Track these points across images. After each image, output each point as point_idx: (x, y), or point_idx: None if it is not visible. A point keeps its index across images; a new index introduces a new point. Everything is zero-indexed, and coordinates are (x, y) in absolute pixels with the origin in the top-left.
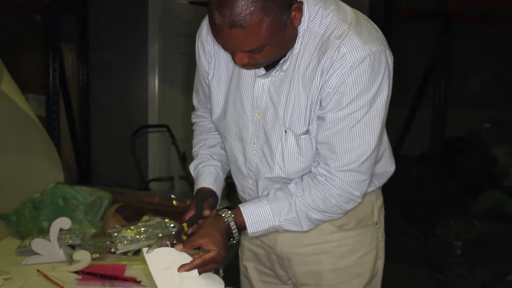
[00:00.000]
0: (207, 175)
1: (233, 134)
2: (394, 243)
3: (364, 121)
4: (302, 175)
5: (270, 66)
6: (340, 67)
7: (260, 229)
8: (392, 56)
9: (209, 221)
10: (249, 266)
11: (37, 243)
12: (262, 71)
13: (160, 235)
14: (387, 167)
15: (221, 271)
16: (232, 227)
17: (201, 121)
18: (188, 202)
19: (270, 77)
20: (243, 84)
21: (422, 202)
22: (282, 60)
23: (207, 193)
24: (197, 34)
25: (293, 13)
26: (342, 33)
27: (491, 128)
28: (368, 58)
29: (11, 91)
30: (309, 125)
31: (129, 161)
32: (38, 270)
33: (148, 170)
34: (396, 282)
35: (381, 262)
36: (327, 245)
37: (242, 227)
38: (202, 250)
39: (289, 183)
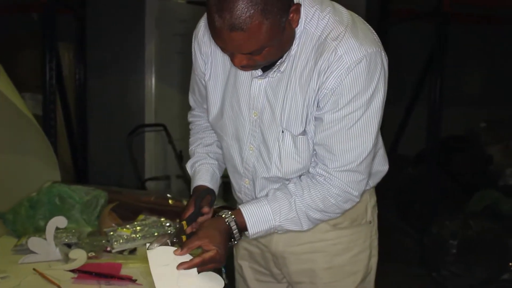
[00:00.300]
0: (203, 173)
1: (230, 134)
2: (390, 242)
3: (361, 122)
4: (301, 176)
5: (267, 67)
6: (337, 69)
7: (261, 229)
8: (387, 58)
9: (209, 222)
10: (244, 265)
11: (33, 242)
12: (259, 72)
13: (156, 234)
14: (381, 166)
15: (223, 270)
16: (233, 227)
17: (197, 120)
18: (184, 202)
19: (267, 78)
20: (240, 84)
21: (418, 201)
22: (279, 61)
23: (205, 190)
24: (194, 35)
25: (291, 15)
26: (338, 35)
27: (487, 128)
28: (364, 60)
29: (7, 90)
30: (306, 125)
31: (125, 160)
32: (34, 269)
33: (145, 169)
34: (392, 281)
35: (374, 261)
36: (321, 244)
37: (242, 228)
38: (203, 250)
39: (287, 183)
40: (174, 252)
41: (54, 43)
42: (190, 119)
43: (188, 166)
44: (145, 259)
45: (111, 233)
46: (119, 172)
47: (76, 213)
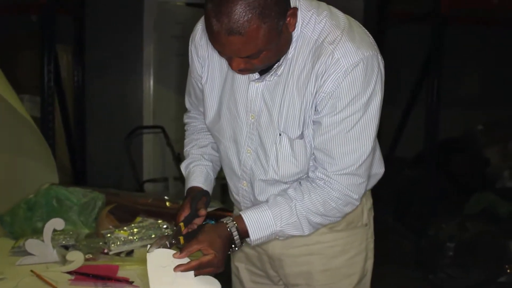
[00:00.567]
0: (198, 174)
1: (228, 137)
2: (388, 244)
3: (359, 125)
4: (300, 181)
5: (264, 70)
6: (335, 72)
7: (262, 235)
8: (383, 61)
9: (210, 227)
10: (240, 267)
11: (31, 244)
12: (256, 75)
13: (153, 236)
14: (377, 169)
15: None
16: (234, 233)
17: (193, 121)
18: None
19: (264, 81)
20: (237, 87)
21: (415, 204)
22: (276, 64)
23: (200, 192)
24: (191, 38)
25: (288, 19)
26: (335, 39)
27: (485, 130)
28: (361, 63)
29: (5, 92)
30: (303, 129)
31: (124, 162)
32: (31, 271)
33: (143, 171)
34: (389, 283)
35: (370, 263)
36: (318, 246)
37: (244, 234)
38: (202, 254)
39: (287, 188)
40: (174, 255)
41: (52, 45)
42: (185, 120)
43: (183, 166)
44: (142, 261)
45: (109, 235)
46: (118, 174)
47: (74, 215)
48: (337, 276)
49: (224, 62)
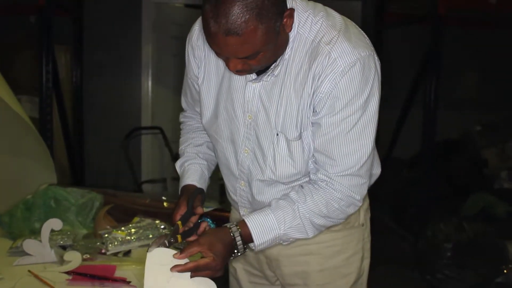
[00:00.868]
0: (192, 172)
1: (225, 137)
2: (385, 244)
3: (359, 125)
4: (302, 184)
5: (261, 70)
6: (332, 72)
7: (266, 239)
8: (379, 62)
9: (213, 231)
10: (237, 267)
11: (28, 244)
12: (253, 75)
13: (150, 236)
14: (374, 170)
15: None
16: (237, 238)
17: (189, 120)
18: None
19: (261, 82)
20: (234, 88)
21: (413, 204)
22: (273, 65)
23: (196, 190)
24: (188, 39)
25: (285, 20)
26: (331, 39)
27: (482, 131)
28: (358, 63)
29: (3, 92)
30: (301, 130)
31: (122, 162)
32: (29, 271)
33: (141, 171)
34: (386, 283)
35: (367, 263)
36: (316, 246)
37: (247, 238)
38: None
39: (289, 191)
40: (174, 255)
41: (51, 46)
42: (181, 119)
43: (178, 165)
44: (139, 261)
45: (106, 235)
46: (116, 175)
47: (71, 215)
48: (334, 275)
49: (221, 63)
